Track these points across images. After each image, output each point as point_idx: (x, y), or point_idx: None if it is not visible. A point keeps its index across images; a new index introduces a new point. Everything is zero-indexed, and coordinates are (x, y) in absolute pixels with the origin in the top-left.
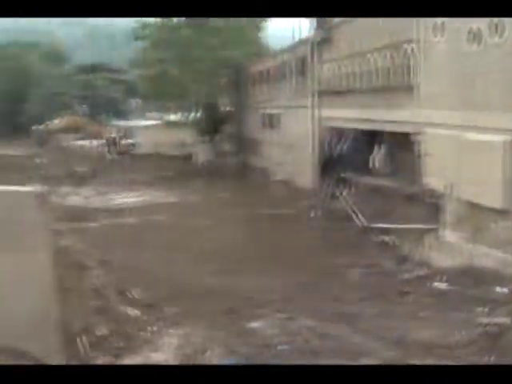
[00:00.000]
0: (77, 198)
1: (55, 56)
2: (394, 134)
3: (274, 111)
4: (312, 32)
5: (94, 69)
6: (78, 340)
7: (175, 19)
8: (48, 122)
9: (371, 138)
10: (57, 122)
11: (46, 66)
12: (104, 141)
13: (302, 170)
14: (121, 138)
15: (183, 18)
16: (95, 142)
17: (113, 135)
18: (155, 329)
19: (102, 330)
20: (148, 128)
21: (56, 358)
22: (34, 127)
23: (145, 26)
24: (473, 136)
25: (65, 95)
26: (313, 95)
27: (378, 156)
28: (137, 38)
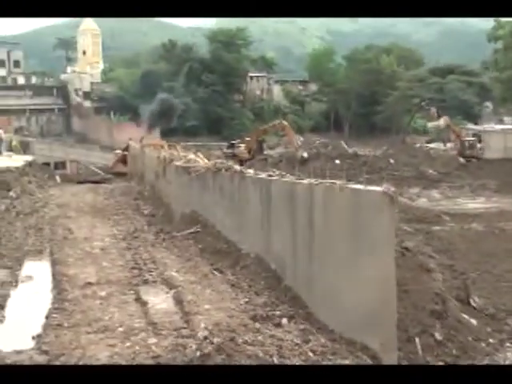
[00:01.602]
0: (424, 200)
1: (410, 58)
2: None
3: None
4: None
5: (447, 71)
6: (414, 341)
7: None
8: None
9: None
10: (436, 123)
11: (401, 69)
12: (453, 144)
13: None
14: (475, 142)
15: None
16: (448, 145)
17: (468, 138)
18: (494, 341)
19: (437, 335)
20: (500, 132)
21: (391, 355)
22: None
23: (500, 26)
24: None
25: (417, 97)
26: None
27: None
28: (490, 39)
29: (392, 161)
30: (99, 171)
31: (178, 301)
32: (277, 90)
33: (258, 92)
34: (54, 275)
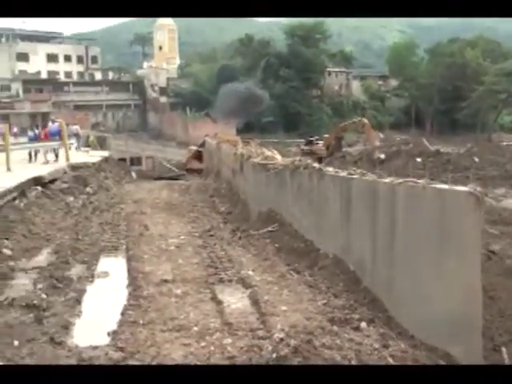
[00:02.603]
0: (511, 201)
1: (497, 52)
2: None
3: None
4: None
5: None
6: (500, 350)
7: None
8: None
9: None
10: None
11: (487, 62)
12: None
13: None
14: None
15: None
16: None
17: None
18: None
19: None
20: None
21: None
22: None
23: None
24: None
25: (505, 92)
26: None
27: None
28: None
29: (477, 159)
30: (174, 168)
31: (254, 301)
32: (355, 85)
33: (337, 87)
34: (129, 271)
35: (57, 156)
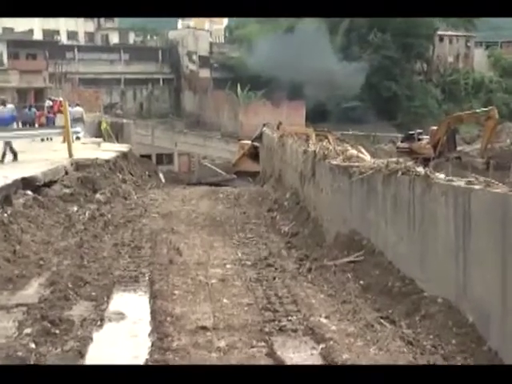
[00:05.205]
0: None
1: None
2: None
3: None
4: None
5: None
6: None
7: None
8: None
9: None
10: None
11: None
12: None
13: None
14: None
15: None
16: None
17: None
18: None
19: None
20: None
21: None
22: None
23: None
24: None
25: None
26: None
27: None
28: None
29: None
30: (218, 169)
31: (329, 361)
32: (479, 55)
33: (451, 59)
34: (153, 313)
35: (15, 154)
